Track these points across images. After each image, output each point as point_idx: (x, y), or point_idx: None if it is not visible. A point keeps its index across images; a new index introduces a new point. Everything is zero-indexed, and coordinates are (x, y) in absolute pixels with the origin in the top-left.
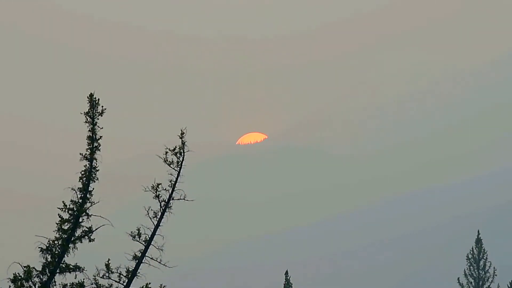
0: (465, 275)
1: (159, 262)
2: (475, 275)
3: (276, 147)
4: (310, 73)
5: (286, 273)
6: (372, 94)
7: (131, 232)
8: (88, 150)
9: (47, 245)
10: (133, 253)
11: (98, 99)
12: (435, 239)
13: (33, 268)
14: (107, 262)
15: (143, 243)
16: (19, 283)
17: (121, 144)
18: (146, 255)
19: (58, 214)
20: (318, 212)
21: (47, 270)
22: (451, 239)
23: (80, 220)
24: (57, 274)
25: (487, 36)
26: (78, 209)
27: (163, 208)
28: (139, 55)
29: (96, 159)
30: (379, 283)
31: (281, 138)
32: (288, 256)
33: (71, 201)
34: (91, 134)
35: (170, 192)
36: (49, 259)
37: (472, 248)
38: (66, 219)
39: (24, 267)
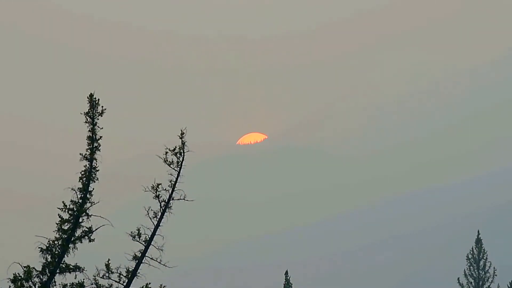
0: (465, 275)
1: (159, 262)
2: (475, 275)
3: (276, 147)
4: (310, 73)
5: (286, 273)
6: (372, 94)
7: (131, 232)
8: (88, 150)
9: (47, 245)
10: (133, 253)
11: (98, 99)
12: (435, 239)
13: (33, 268)
14: (107, 262)
15: (143, 243)
16: (19, 283)
17: (121, 144)
18: (146, 255)
19: (58, 214)
20: (318, 212)
21: (47, 270)
22: (451, 239)
23: (80, 220)
24: (57, 274)
25: (487, 36)
26: (78, 209)
27: (163, 208)
28: (139, 55)
29: (96, 159)
30: (379, 283)
31: (281, 138)
32: (288, 256)
33: (71, 201)
34: (91, 134)
35: (170, 192)
36: (49, 259)
37: (472, 248)
38: (66, 219)
39: (24, 267)
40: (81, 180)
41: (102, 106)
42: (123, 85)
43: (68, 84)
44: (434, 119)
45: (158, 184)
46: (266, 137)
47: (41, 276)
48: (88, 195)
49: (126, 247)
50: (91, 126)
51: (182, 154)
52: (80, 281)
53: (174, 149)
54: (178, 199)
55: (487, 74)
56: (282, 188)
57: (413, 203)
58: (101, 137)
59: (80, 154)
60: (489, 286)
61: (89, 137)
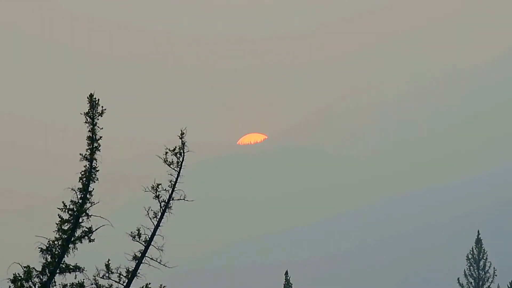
0: (465, 275)
1: (159, 262)
2: (475, 275)
3: (276, 147)
4: (310, 73)
5: (286, 273)
6: (372, 94)
7: (131, 232)
8: (88, 151)
9: (47, 245)
10: (133, 253)
11: (98, 99)
12: (435, 239)
13: (33, 268)
14: (107, 263)
15: (143, 243)
16: (19, 283)
17: (121, 144)
18: (146, 255)
19: (58, 215)
20: (318, 212)
21: (47, 271)
22: (451, 239)
23: (80, 220)
24: (57, 274)
25: (487, 36)
26: (78, 210)
27: (163, 208)
28: (139, 55)
29: (96, 160)
30: (379, 283)
31: (281, 138)
32: (288, 256)
33: (71, 201)
34: (91, 135)
35: (170, 192)
36: (49, 259)
37: (472, 248)
38: (66, 219)
39: (24, 267)
40: (81, 180)
41: (102, 106)
42: (123, 85)
43: (68, 84)
44: (434, 119)
45: (158, 184)
46: (266, 137)
47: (41, 276)
48: (88, 195)
49: (126, 247)
50: (91, 126)
51: (182, 154)
52: (80, 281)
53: (174, 149)
54: (178, 199)
55: (487, 74)
56: (282, 188)
57: (413, 203)
58: (101, 137)
59: (80, 154)
60: (489, 286)
61: (89, 137)
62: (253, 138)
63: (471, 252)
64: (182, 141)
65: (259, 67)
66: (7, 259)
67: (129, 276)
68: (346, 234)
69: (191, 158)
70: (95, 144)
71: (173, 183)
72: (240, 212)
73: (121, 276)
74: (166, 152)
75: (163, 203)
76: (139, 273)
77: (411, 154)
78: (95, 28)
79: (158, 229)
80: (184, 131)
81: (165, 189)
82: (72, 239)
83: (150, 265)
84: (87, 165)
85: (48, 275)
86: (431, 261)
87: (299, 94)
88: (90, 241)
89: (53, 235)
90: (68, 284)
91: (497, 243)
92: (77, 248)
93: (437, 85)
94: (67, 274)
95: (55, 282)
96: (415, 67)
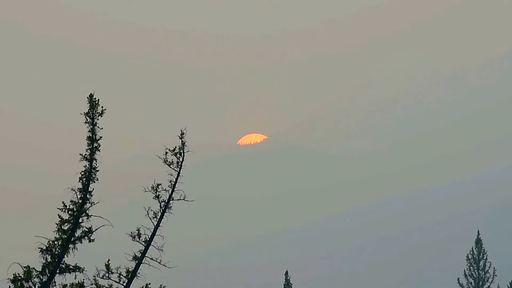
0: (465, 275)
1: (159, 263)
2: (475, 276)
3: (276, 147)
4: (310, 73)
5: (286, 273)
6: (372, 94)
7: (131, 232)
8: (88, 151)
9: (47, 245)
10: (133, 254)
11: (98, 99)
12: (435, 239)
13: (33, 268)
14: (107, 263)
15: (143, 243)
16: (19, 283)
17: (121, 144)
18: (146, 255)
19: (58, 215)
20: (318, 212)
21: (47, 271)
22: (451, 239)
23: (80, 220)
24: (57, 274)
25: (487, 36)
26: (78, 210)
27: (163, 208)
28: (139, 55)
29: (96, 160)
30: (379, 283)
31: (281, 138)
32: (288, 256)
33: (71, 201)
34: (91, 135)
35: (170, 192)
36: (49, 260)
37: (472, 248)
38: (66, 219)
39: (24, 267)
40: (81, 181)
41: (102, 107)
42: (123, 85)
43: (68, 84)
44: (434, 118)
45: (158, 185)
46: (266, 137)
47: (41, 277)
48: (88, 196)
49: (126, 247)
50: (91, 126)
51: (182, 154)
52: (80, 282)
53: (174, 149)
54: (178, 199)
55: (486, 74)
56: (282, 188)
57: (413, 203)
58: (101, 137)
59: (80, 154)
60: (489, 286)
61: (89, 137)
62: (253, 138)
63: (471, 252)
64: (182, 141)
65: (259, 67)
66: (7, 259)
67: (129, 276)
68: (346, 234)
69: (191, 158)
70: (95, 144)
71: (173, 183)
72: (240, 212)
73: (121, 276)
74: (166, 152)
75: (163, 203)
76: (139, 273)
77: (411, 154)
78: (95, 28)
79: (158, 229)
80: (184, 131)
81: (165, 189)
82: (72, 239)
83: (150, 265)
84: (87, 165)
85: (48, 275)
86: (431, 261)
87: (299, 94)
88: (90, 241)
89: (53, 235)
90: (68, 284)
91: (497, 243)
92: (77, 248)
93: (437, 85)
94: (67, 274)
95: (55, 282)
96: (415, 67)
